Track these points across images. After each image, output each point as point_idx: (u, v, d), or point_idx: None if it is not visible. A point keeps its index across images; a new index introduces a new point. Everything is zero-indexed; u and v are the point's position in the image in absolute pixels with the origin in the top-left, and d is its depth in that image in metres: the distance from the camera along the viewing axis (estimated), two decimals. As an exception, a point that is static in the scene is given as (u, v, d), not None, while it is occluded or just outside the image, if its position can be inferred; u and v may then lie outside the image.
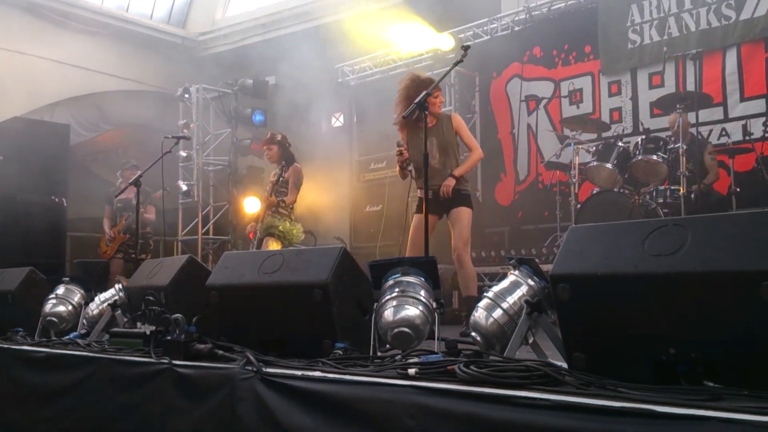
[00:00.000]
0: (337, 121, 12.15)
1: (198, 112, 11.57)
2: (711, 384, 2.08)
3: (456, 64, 5.17)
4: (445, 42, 9.99)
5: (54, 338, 4.49)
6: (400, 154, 5.61)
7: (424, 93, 4.91)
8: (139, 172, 8.76)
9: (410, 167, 5.70)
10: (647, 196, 7.03)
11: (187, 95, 11.58)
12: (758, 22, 7.79)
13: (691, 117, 6.79)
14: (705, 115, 7.60)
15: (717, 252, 2.10)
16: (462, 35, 10.13)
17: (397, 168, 5.86)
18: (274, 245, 6.92)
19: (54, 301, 4.77)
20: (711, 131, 8.03)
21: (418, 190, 5.68)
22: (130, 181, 6.85)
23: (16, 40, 12.42)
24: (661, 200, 6.93)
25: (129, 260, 8.55)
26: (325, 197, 10.67)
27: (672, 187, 6.93)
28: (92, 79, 13.39)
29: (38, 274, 5.23)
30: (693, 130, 6.95)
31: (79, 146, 12.29)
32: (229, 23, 14.81)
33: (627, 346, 2.25)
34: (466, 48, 5.03)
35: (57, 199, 9.53)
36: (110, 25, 13.88)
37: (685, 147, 6.60)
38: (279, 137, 7.43)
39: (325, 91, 11.36)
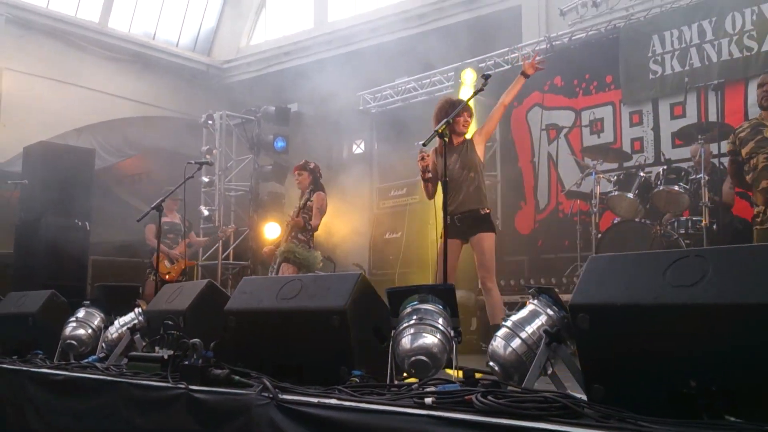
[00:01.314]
0: (358, 148, 12.22)
1: (221, 138, 11.69)
2: (732, 418, 2.04)
3: (477, 92, 5.19)
4: (467, 73, 10.03)
5: (73, 361, 4.51)
6: (422, 159, 5.53)
7: (444, 121, 4.92)
8: (179, 200, 8.93)
9: (429, 174, 5.64)
10: (669, 227, 6.97)
11: (210, 121, 11.71)
12: (781, 53, 7.76)
13: (713, 148, 6.75)
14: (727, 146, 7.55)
15: (738, 284, 2.08)
16: (483, 64, 10.17)
17: (422, 183, 5.77)
18: (290, 271, 6.94)
19: (74, 324, 4.80)
20: (730, 163, 7.97)
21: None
22: (152, 206, 6.88)
23: (43, 66, 12.67)
24: (682, 231, 6.87)
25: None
26: (345, 224, 10.69)
27: (694, 218, 6.87)
28: (117, 105, 13.61)
29: (59, 296, 5.28)
30: (715, 161, 6.90)
31: (103, 171, 12.44)
32: (253, 51, 15.03)
33: (647, 378, 2.22)
34: (486, 77, 5.04)
35: (80, 223, 9.61)
36: (137, 53, 14.13)
37: (707, 178, 6.55)
38: (312, 165, 7.47)
39: (347, 118, 11.45)
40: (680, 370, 2.15)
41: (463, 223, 5.57)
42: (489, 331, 5.42)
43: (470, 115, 5.80)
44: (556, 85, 9.88)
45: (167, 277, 8.86)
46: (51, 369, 4.22)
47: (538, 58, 5.98)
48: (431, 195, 5.80)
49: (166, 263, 8.87)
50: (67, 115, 12.57)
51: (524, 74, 5.88)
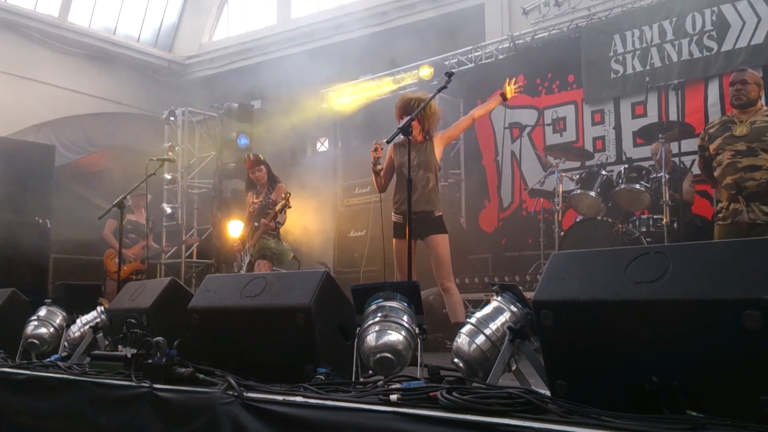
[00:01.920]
0: (322, 146, 12.20)
1: (183, 135, 11.57)
2: (693, 413, 2.08)
3: (440, 90, 5.19)
4: (428, 70, 10.07)
5: (35, 360, 4.44)
6: (375, 150, 5.43)
7: (407, 118, 4.93)
8: (147, 197, 8.80)
9: (380, 166, 5.56)
10: (630, 225, 7.08)
11: (172, 118, 11.59)
12: (739, 53, 7.92)
13: (674, 147, 6.87)
14: (687, 145, 7.68)
15: (699, 280, 2.12)
16: (447, 62, 10.21)
17: (373, 177, 5.68)
18: (266, 268, 6.93)
19: (36, 323, 4.72)
20: (693, 161, 8.11)
21: (393, 215, 5.63)
22: (113, 204, 6.78)
23: (2, 61, 12.43)
24: (644, 229, 6.99)
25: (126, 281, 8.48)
26: (309, 222, 10.65)
27: (655, 216, 6.99)
28: (78, 101, 13.41)
29: (20, 295, 5.19)
30: (675, 160, 7.02)
31: (63, 168, 12.24)
32: (215, 47, 14.91)
33: (609, 374, 2.26)
34: (449, 75, 5.06)
35: (41, 220, 9.47)
36: (97, 48, 13.94)
37: (667, 176, 6.66)
38: (262, 157, 7.46)
39: (310, 116, 11.41)
40: (642, 365, 2.19)
41: (416, 223, 5.30)
42: (452, 328, 5.42)
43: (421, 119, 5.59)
44: (519, 83, 9.94)
45: (115, 276, 8.67)
46: (13, 368, 4.14)
47: (518, 85, 5.97)
48: (382, 188, 5.77)
49: (115, 261, 8.66)
50: (26, 111, 12.33)
51: (503, 96, 5.87)
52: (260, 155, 7.48)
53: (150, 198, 8.91)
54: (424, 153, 5.63)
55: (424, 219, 5.47)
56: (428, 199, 5.54)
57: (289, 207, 7.06)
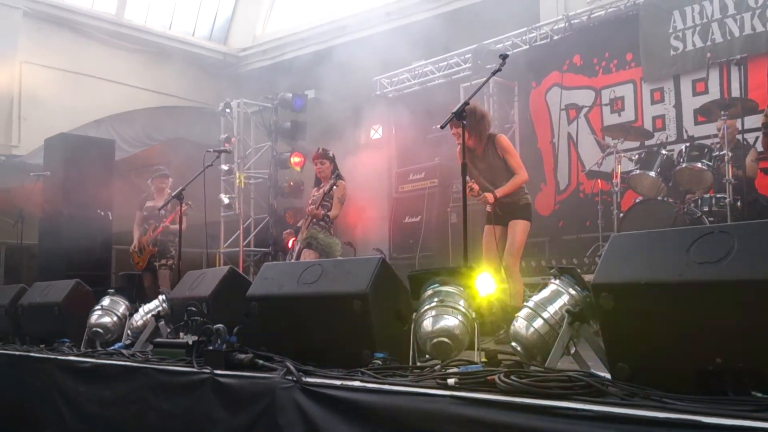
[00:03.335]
0: (376, 133, 12.19)
1: (239, 126, 11.71)
2: (759, 394, 2.02)
3: (494, 73, 5.12)
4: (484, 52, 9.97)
5: (99, 349, 4.57)
6: (471, 190, 5.55)
7: (462, 103, 4.88)
8: (169, 180, 8.87)
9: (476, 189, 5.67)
10: (692, 205, 6.90)
11: (228, 110, 11.74)
12: (805, 26, 7.63)
13: (738, 124, 6.66)
14: (750, 122, 7.45)
15: (764, 259, 2.05)
16: (500, 45, 10.09)
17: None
18: (312, 257, 6.93)
19: (99, 312, 4.87)
20: (757, 138, 7.86)
21: (488, 205, 5.76)
22: (173, 195, 6.91)
23: (63, 59, 12.75)
24: (706, 208, 6.79)
25: (151, 269, 8.56)
26: (365, 209, 10.69)
27: (717, 195, 6.79)
28: (135, 95, 13.68)
29: (84, 286, 5.34)
30: (739, 137, 6.82)
31: (123, 161, 12.51)
32: (268, 38, 15.01)
33: (672, 356, 2.20)
34: (504, 57, 4.98)
35: (102, 213, 9.69)
36: (153, 43, 14.17)
37: (730, 154, 6.46)
38: (331, 153, 7.44)
39: (364, 103, 11.42)
40: (705, 347, 2.13)
41: (503, 210, 5.73)
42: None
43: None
44: (575, 64, 9.78)
45: (138, 266, 8.76)
46: (78, 357, 4.28)
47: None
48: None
49: (137, 254, 8.70)
50: (86, 106, 12.65)
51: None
52: (328, 150, 7.47)
53: (171, 181, 8.87)
54: (488, 157, 5.77)
55: (511, 207, 5.73)
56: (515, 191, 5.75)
57: (335, 187, 7.06)
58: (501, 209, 5.71)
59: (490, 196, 5.60)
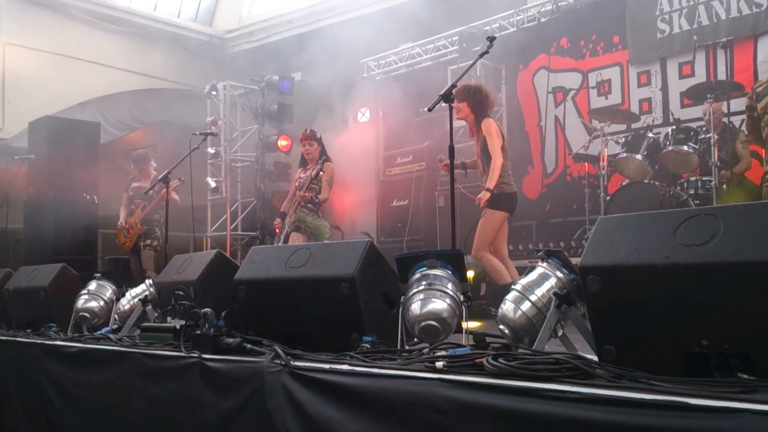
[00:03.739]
0: (363, 116, 12.15)
1: (225, 108, 11.64)
2: (745, 376, 2.04)
3: (481, 55, 5.13)
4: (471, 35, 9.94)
5: (86, 333, 4.55)
6: (442, 160, 5.73)
7: (449, 85, 4.88)
8: (151, 161, 8.83)
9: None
10: (678, 187, 6.94)
11: (214, 92, 11.67)
12: (791, 8, 7.65)
13: (724, 107, 6.69)
14: (737, 105, 7.48)
15: (750, 241, 2.06)
16: (488, 27, 10.06)
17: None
18: (300, 240, 6.93)
19: (86, 296, 4.84)
20: (743, 121, 7.88)
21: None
22: (158, 178, 6.88)
23: (46, 41, 12.62)
24: (692, 191, 6.84)
25: (137, 251, 8.54)
26: (352, 192, 10.68)
27: (704, 178, 6.83)
28: (121, 78, 13.57)
29: (70, 270, 5.31)
30: (725, 120, 6.84)
31: (109, 144, 12.44)
32: (255, 20, 14.91)
33: (658, 338, 2.21)
34: (491, 39, 4.98)
35: (88, 197, 9.64)
36: (138, 24, 14.05)
37: (716, 137, 6.49)
38: (318, 134, 7.42)
39: (351, 86, 11.37)
40: (692, 329, 2.14)
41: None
42: (498, 295, 5.48)
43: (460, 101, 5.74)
44: (563, 47, 9.78)
45: (124, 247, 8.73)
46: (65, 341, 4.26)
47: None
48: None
49: (124, 234, 8.69)
50: (71, 89, 12.54)
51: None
52: (316, 132, 7.44)
53: (154, 165, 8.84)
54: (481, 140, 5.82)
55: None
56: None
57: (322, 172, 7.06)
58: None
59: (484, 197, 5.62)
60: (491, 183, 5.60)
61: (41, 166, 9.47)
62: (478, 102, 5.67)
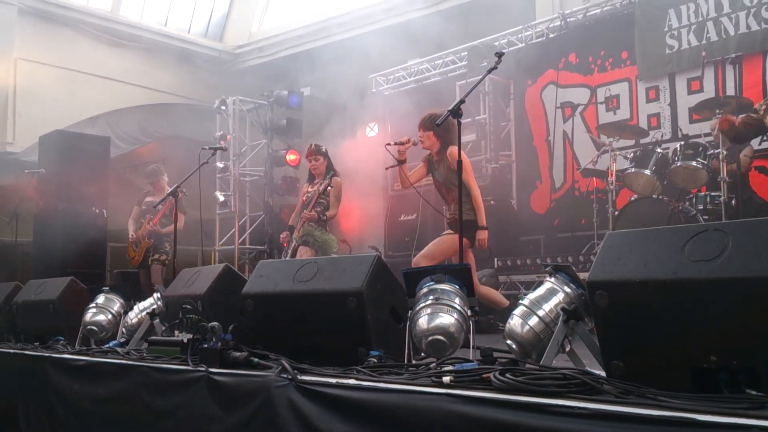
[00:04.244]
0: (372, 130, 12.18)
1: (234, 123, 11.70)
2: (753, 392, 2.03)
3: (490, 71, 5.11)
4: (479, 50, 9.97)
5: (94, 346, 4.56)
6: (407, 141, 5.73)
7: (458, 101, 4.88)
8: (164, 175, 8.87)
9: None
10: (687, 203, 6.91)
11: (223, 107, 11.74)
12: (799, 24, 7.65)
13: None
14: (746, 120, 7.46)
15: (759, 257, 2.05)
16: (496, 43, 10.09)
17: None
18: (308, 254, 6.92)
19: (94, 310, 4.85)
20: (752, 136, 7.88)
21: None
22: (169, 192, 6.90)
23: (57, 56, 12.72)
24: (701, 206, 6.80)
25: (147, 265, 8.57)
26: (360, 207, 10.68)
27: (712, 194, 6.80)
28: (131, 92, 13.66)
29: (79, 283, 5.33)
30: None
31: (119, 158, 12.50)
32: (264, 36, 14.99)
33: (666, 354, 2.21)
34: (499, 55, 4.98)
35: (97, 211, 9.68)
36: (149, 40, 14.14)
37: (725, 152, 6.47)
38: (324, 149, 7.42)
39: (360, 101, 11.40)
40: (700, 345, 2.14)
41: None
42: (506, 311, 5.46)
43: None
44: (571, 62, 9.79)
45: (134, 261, 8.78)
46: (73, 354, 4.26)
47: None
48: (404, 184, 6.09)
49: (133, 248, 8.74)
50: (81, 103, 12.64)
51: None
52: (322, 146, 7.44)
53: (166, 179, 8.88)
54: (444, 168, 5.86)
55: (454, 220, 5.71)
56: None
57: (330, 187, 7.08)
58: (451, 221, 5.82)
59: (483, 236, 5.65)
60: (481, 220, 5.65)
61: (51, 179, 9.51)
62: (443, 131, 5.68)
